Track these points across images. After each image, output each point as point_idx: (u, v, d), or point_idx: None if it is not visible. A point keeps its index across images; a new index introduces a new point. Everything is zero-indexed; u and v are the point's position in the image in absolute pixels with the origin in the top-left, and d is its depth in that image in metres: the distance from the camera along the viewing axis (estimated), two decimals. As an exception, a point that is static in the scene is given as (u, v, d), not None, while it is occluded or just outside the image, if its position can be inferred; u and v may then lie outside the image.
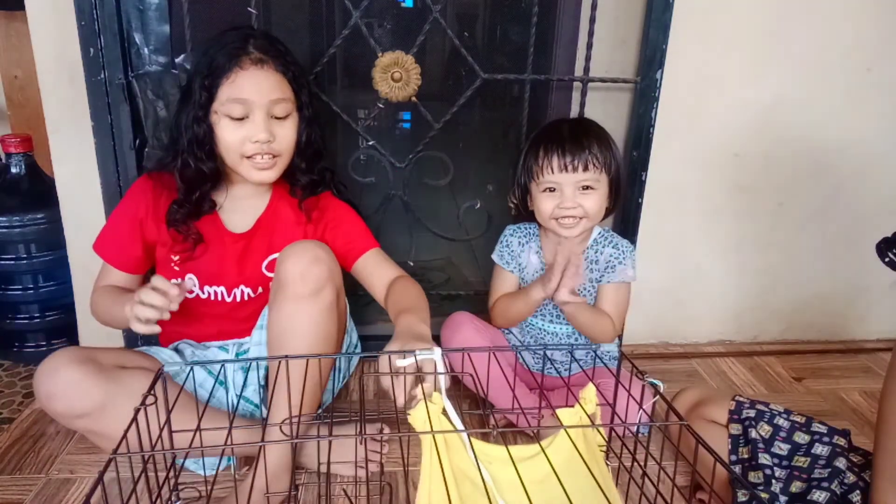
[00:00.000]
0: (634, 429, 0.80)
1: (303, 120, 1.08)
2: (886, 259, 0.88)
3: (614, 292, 1.25)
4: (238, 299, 1.15)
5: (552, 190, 1.18)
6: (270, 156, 1.05)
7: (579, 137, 1.17)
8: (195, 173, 1.05)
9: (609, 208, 1.22)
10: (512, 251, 1.30)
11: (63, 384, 0.92)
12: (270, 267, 1.14)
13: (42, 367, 0.94)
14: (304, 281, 0.96)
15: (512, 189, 1.27)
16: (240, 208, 1.15)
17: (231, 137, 1.02)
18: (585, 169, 1.16)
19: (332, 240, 1.16)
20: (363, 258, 1.15)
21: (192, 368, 1.06)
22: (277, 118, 1.04)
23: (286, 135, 1.05)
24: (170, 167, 1.08)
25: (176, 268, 1.12)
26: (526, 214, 1.28)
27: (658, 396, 0.76)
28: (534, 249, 1.29)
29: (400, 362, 0.77)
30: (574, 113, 1.43)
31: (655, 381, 0.80)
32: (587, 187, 1.17)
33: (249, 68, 1.00)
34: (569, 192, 1.16)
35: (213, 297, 1.14)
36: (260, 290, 1.16)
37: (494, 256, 1.32)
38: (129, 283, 1.14)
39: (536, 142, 1.20)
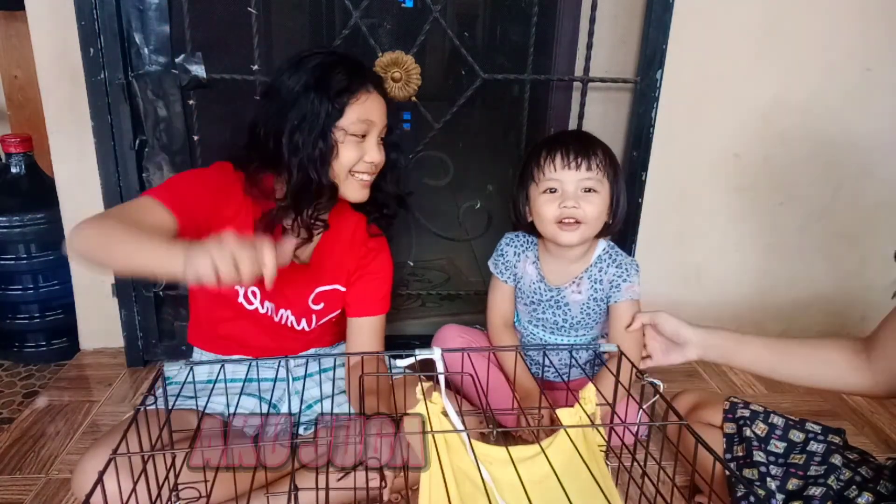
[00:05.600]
0: (634, 429, 0.80)
1: (391, 143, 1.11)
2: None
3: (628, 310, 1.21)
4: (283, 322, 1.14)
5: (553, 191, 1.14)
6: (372, 175, 1.08)
7: (583, 140, 1.16)
8: (317, 188, 1.02)
9: (608, 223, 1.18)
10: (507, 261, 1.27)
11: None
12: (316, 300, 1.14)
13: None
14: None
15: (511, 198, 1.23)
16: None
17: (351, 155, 1.03)
18: (589, 168, 1.13)
19: (359, 286, 1.17)
20: (363, 318, 1.17)
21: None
22: (382, 141, 1.07)
23: (383, 157, 1.08)
24: (271, 175, 1.04)
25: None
26: (524, 226, 1.24)
27: (658, 396, 0.76)
28: (531, 259, 1.26)
29: (400, 362, 0.77)
30: (574, 113, 1.43)
31: (655, 381, 0.80)
32: (589, 189, 1.14)
33: (374, 92, 1.04)
34: (570, 191, 1.13)
35: (269, 313, 1.13)
36: (304, 324, 1.15)
37: (490, 264, 1.30)
38: (160, 223, 0.93)
39: (538, 147, 1.18)
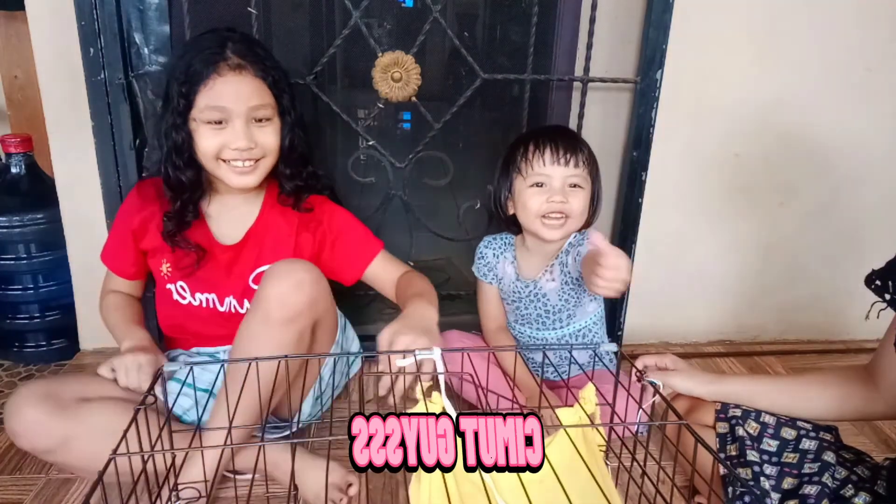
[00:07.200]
0: (634, 428, 0.80)
1: (285, 125, 1.07)
2: (888, 297, 0.88)
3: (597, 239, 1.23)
4: (230, 309, 1.14)
5: (540, 185, 1.17)
6: (252, 161, 1.04)
7: (569, 136, 1.20)
8: (176, 182, 1.05)
9: (588, 220, 1.23)
10: (487, 262, 1.30)
11: (24, 424, 0.93)
12: (257, 280, 1.13)
13: (7, 405, 0.95)
14: (280, 306, 0.92)
15: (493, 189, 1.26)
16: (229, 218, 1.14)
17: (209, 144, 1.01)
18: (576, 165, 1.16)
19: (338, 251, 1.16)
20: (372, 265, 1.17)
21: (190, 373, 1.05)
22: (258, 124, 1.03)
23: (268, 140, 1.04)
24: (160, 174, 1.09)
25: (167, 275, 1.13)
26: (503, 220, 1.27)
27: (657, 396, 0.76)
28: (509, 260, 1.29)
29: (400, 362, 0.77)
30: (574, 113, 1.43)
31: (655, 381, 0.80)
32: (575, 185, 1.17)
33: (227, 75, 0.98)
34: (558, 186, 1.16)
35: (205, 305, 1.14)
36: (246, 304, 1.14)
37: (474, 269, 1.34)
38: (131, 287, 1.19)
39: (525, 140, 1.20)
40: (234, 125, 1.00)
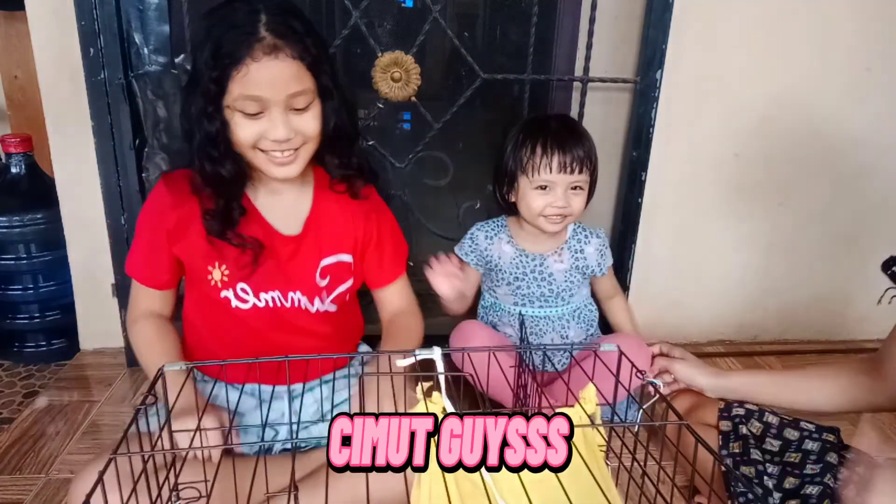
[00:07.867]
0: (631, 423, 0.80)
1: (327, 107, 0.96)
2: None
3: (610, 279, 1.37)
4: (296, 305, 1.04)
5: (544, 188, 1.20)
6: (291, 150, 0.94)
7: (576, 138, 1.21)
8: (215, 176, 0.95)
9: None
10: (477, 244, 1.31)
11: None
12: (323, 274, 1.05)
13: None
14: None
15: (494, 178, 1.28)
16: (282, 206, 1.04)
17: (245, 134, 0.92)
18: (581, 171, 1.19)
19: (374, 254, 1.11)
20: (389, 286, 1.14)
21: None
22: (297, 110, 0.92)
23: (308, 126, 0.94)
24: (191, 166, 0.98)
25: (221, 282, 1.00)
26: (504, 206, 1.29)
27: (657, 396, 0.76)
28: (505, 240, 1.30)
29: (400, 362, 0.77)
30: (574, 112, 1.43)
31: (655, 381, 0.80)
32: (576, 188, 1.21)
33: (262, 59, 0.87)
34: (561, 192, 1.20)
35: (270, 304, 1.03)
36: (318, 303, 1.06)
37: (456, 249, 1.32)
38: (163, 301, 1.06)
39: (531, 136, 1.20)
40: (272, 114, 0.90)
